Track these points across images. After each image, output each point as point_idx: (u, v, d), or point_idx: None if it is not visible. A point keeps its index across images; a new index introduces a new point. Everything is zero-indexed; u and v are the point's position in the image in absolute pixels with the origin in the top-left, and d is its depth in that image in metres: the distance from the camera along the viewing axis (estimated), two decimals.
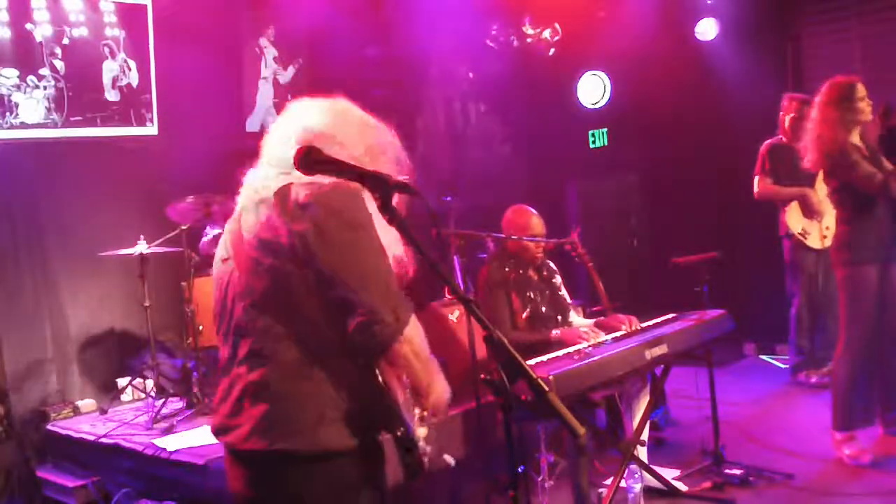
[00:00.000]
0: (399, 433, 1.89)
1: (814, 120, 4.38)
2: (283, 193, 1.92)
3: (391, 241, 1.99)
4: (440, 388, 2.04)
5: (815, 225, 5.73)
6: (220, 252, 2.10)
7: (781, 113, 5.84)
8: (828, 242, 5.70)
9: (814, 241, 5.74)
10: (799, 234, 5.73)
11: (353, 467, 1.93)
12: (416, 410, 2.07)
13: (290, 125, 2.07)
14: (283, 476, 1.91)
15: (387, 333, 1.84)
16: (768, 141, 5.85)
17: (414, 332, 1.90)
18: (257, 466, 1.93)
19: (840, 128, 4.25)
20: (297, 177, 1.91)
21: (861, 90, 4.27)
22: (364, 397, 1.91)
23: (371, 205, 1.87)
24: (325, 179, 1.89)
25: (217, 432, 2.00)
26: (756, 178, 5.84)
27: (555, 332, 4.05)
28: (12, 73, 5.21)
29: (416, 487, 3.91)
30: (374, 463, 2.00)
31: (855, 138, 4.28)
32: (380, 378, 1.90)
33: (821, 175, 5.64)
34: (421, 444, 1.98)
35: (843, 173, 4.25)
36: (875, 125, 4.39)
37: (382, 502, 2.03)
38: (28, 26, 5.27)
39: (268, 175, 2.01)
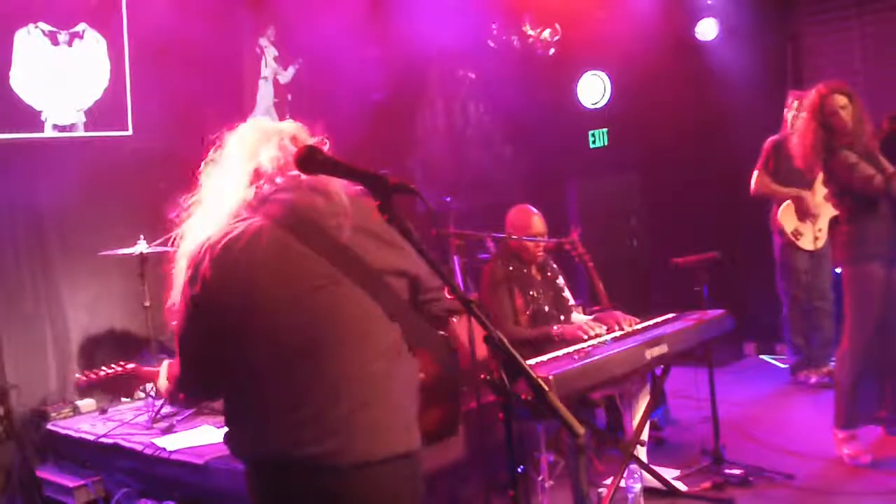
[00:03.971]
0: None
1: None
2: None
3: None
4: None
5: (808, 226, 5.74)
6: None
7: (785, 110, 5.85)
8: (820, 244, 5.73)
9: (806, 243, 5.75)
10: (791, 234, 5.74)
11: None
12: None
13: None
14: None
15: None
16: (772, 137, 5.85)
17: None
18: None
19: (830, 137, 4.29)
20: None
21: (836, 100, 4.26)
22: None
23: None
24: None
25: None
26: (755, 174, 5.84)
27: (556, 328, 4.07)
28: None
29: None
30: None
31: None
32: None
33: (820, 176, 5.66)
34: None
35: (841, 175, 4.26)
36: (881, 130, 4.38)
37: None
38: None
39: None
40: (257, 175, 2.05)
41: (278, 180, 2.04)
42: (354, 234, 1.98)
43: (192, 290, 1.94)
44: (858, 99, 4.32)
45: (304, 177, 1.99)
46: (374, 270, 1.99)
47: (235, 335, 1.93)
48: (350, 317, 1.94)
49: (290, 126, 2.15)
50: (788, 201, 5.75)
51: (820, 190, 5.71)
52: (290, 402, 1.90)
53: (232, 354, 1.94)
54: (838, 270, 5.83)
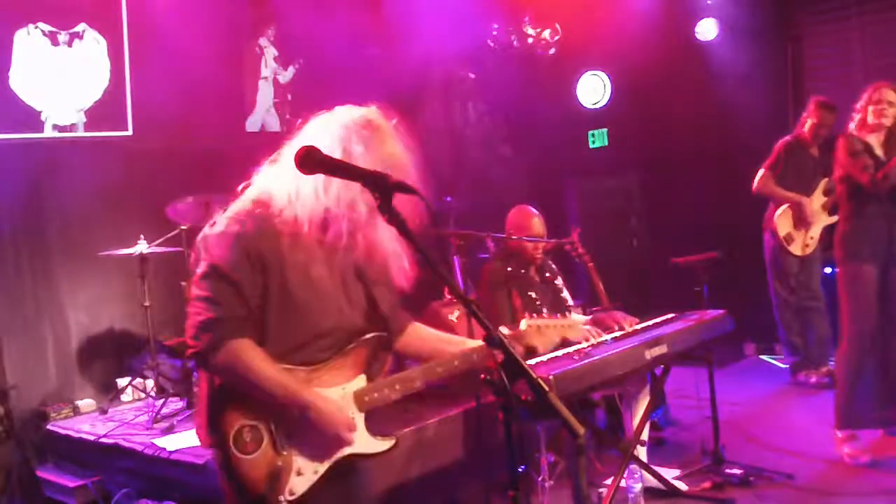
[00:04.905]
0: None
1: None
2: None
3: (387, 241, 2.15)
4: (294, 406, 2.07)
5: (801, 233, 5.78)
6: None
7: (804, 114, 5.85)
8: (809, 251, 5.78)
9: (796, 249, 5.79)
10: (783, 238, 5.76)
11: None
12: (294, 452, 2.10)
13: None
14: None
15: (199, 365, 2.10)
16: (786, 138, 5.85)
17: (227, 361, 2.02)
18: None
19: (856, 125, 4.35)
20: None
21: (873, 95, 4.29)
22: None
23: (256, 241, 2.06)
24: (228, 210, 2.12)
25: None
26: (760, 172, 5.84)
27: None
28: None
29: (416, 487, 3.91)
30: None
31: (871, 139, 4.30)
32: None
33: (821, 184, 5.69)
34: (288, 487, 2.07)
35: (842, 159, 4.30)
36: None
37: None
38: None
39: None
40: None
41: None
42: None
43: None
44: None
45: None
46: None
47: None
48: None
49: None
50: (787, 206, 5.76)
51: (818, 198, 5.73)
52: None
53: None
54: (828, 270, 5.89)
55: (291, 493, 2.05)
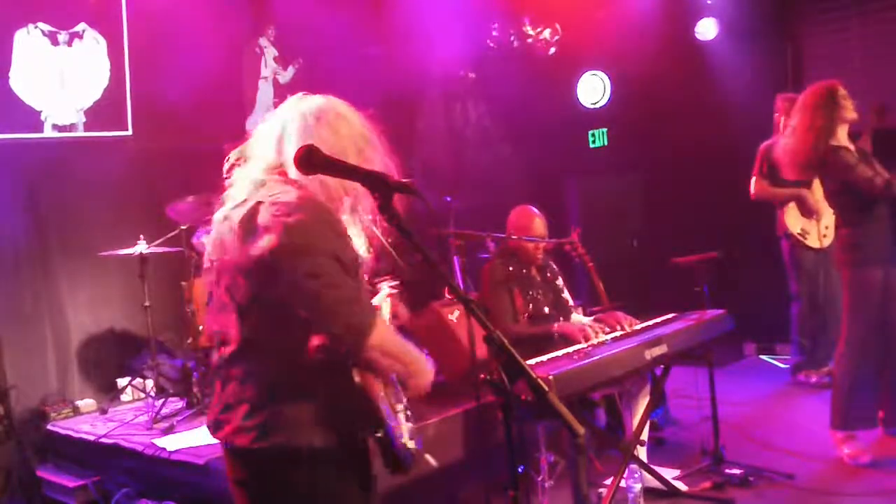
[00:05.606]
0: (379, 434, 1.97)
1: (797, 127, 4.37)
2: (249, 215, 1.95)
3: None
4: (419, 371, 2.10)
5: (813, 224, 5.75)
6: (208, 254, 2.10)
7: (776, 114, 5.86)
8: (827, 242, 5.72)
9: (813, 241, 5.76)
10: (798, 234, 5.75)
11: (336, 465, 1.97)
12: (400, 403, 2.15)
13: (275, 127, 2.10)
14: (272, 472, 1.96)
15: (350, 352, 1.91)
16: (766, 142, 5.87)
17: (379, 336, 1.93)
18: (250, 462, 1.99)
19: (826, 131, 4.24)
20: (271, 187, 1.99)
21: (842, 90, 4.28)
22: (341, 398, 1.95)
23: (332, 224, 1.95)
24: (290, 196, 1.94)
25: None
26: (753, 179, 5.86)
27: (556, 325, 4.07)
28: None
29: (416, 487, 3.91)
30: (357, 463, 2.05)
31: (843, 138, 4.28)
32: (357, 379, 1.94)
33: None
34: (404, 440, 2.07)
35: (840, 175, 4.25)
36: (868, 124, 4.40)
37: (368, 501, 2.08)
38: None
39: (249, 178, 2.05)
40: None
41: None
42: None
43: None
44: None
45: None
46: None
47: None
48: None
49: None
50: (791, 203, 5.76)
51: (819, 188, 5.71)
52: None
53: None
54: None
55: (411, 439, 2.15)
